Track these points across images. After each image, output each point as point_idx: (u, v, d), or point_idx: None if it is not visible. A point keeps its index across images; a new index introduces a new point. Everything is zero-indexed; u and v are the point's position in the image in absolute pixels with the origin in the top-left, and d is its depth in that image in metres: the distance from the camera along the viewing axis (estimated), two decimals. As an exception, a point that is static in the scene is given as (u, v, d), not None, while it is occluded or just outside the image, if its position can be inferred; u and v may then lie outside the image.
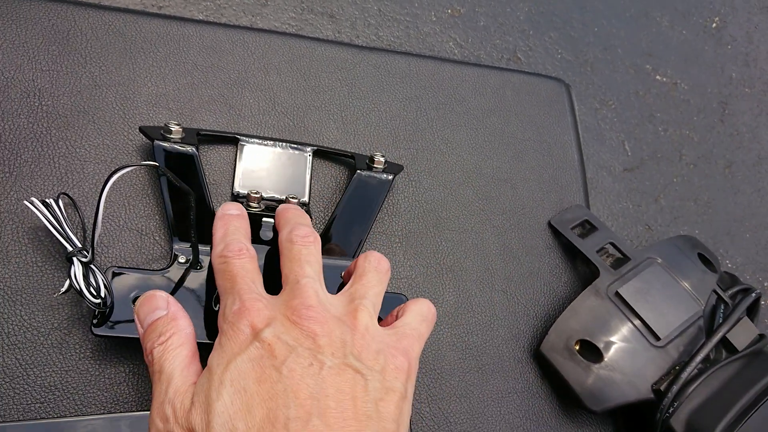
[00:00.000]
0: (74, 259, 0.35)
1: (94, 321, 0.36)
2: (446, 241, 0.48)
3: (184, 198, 0.39)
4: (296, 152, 0.45)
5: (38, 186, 0.40)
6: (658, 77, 0.66)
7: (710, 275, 0.50)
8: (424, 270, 0.47)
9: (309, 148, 0.46)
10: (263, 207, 0.42)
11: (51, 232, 0.36)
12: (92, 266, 0.36)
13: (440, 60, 0.55)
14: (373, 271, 0.36)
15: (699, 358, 0.44)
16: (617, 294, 0.47)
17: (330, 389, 0.29)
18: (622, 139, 0.61)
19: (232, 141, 0.45)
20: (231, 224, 0.36)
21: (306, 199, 0.44)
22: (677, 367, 0.45)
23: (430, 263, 0.47)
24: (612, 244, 0.50)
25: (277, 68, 0.49)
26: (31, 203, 0.36)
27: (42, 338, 0.37)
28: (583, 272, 0.51)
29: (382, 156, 0.46)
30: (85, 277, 0.35)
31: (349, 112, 0.50)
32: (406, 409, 0.32)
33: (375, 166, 0.45)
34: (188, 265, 0.39)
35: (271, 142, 0.45)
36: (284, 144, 0.45)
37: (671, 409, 0.43)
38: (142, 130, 0.42)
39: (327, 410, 0.29)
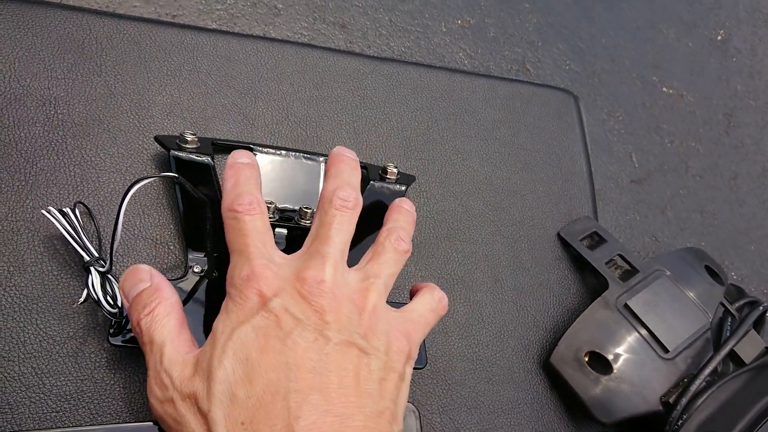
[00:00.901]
0: (92, 268, 0.35)
1: (111, 330, 0.36)
2: (457, 252, 0.48)
3: (200, 208, 0.39)
4: (309, 162, 0.46)
5: (54, 195, 0.40)
6: (664, 89, 0.67)
7: (717, 288, 0.50)
8: (435, 280, 0.46)
9: (322, 158, 0.46)
10: (277, 217, 0.43)
11: (67, 241, 0.37)
12: (109, 276, 0.36)
13: (451, 71, 0.55)
14: (392, 251, 0.36)
15: (707, 370, 0.45)
16: (626, 306, 0.47)
17: (333, 365, 0.29)
18: (630, 151, 0.62)
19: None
20: (242, 173, 0.35)
21: None
22: (686, 380, 0.45)
23: (441, 274, 0.47)
24: (620, 255, 0.51)
25: (290, 78, 0.49)
26: (49, 212, 0.36)
27: (57, 347, 0.37)
28: (592, 284, 0.52)
29: (395, 167, 0.46)
30: (103, 287, 0.35)
31: (360, 122, 0.50)
32: (404, 390, 0.32)
33: (388, 176, 0.46)
34: (203, 274, 0.40)
35: (285, 152, 0.45)
36: (297, 154, 0.45)
37: (680, 422, 0.44)
38: (157, 139, 0.42)
39: (329, 386, 0.29)
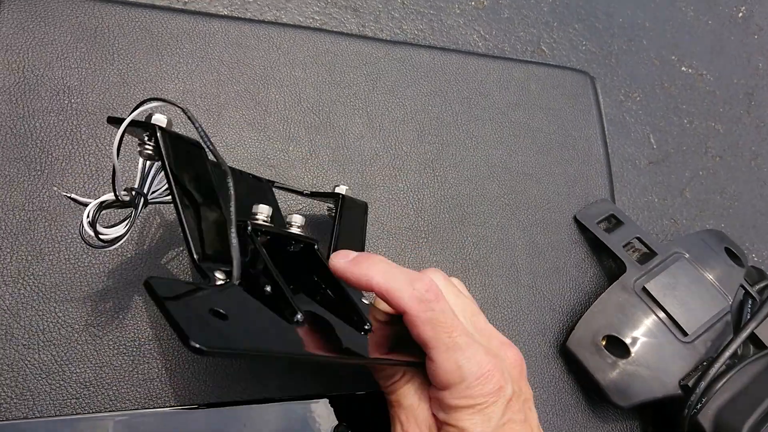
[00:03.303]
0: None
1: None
2: (472, 236, 0.48)
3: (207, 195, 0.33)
4: (257, 181, 0.42)
5: (69, 184, 0.40)
6: (683, 68, 0.65)
7: (737, 270, 0.49)
8: (450, 265, 0.47)
9: (266, 180, 0.42)
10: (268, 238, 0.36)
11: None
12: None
13: (464, 53, 0.55)
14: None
15: (727, 353, 0.44)
16: (644, 289, 0.46)
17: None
18: (648, 132, 0.61)
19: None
20: (374, 259, 0.33)
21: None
22: (705, 363, 0.45)
23: (456, 258, 0.47)
24: (638, 238, 0.50)
25: (302, 63, 0.49)
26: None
27: (76, 335, 0.37)
28: (609, 267, 0.51)
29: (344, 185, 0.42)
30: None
31: (374, 106, 0.50)
32: None
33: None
34: (228, 281, 0.30)
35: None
36: (242, 172, 0.41)
37: (699, 405, 0.43)
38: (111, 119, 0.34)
39: None
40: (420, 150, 0.50)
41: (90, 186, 0.41)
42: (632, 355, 0.44)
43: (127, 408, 0.37)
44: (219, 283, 0.30)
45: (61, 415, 0.35)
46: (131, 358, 0.38)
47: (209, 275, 0.30)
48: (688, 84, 0.65)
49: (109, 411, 0.36)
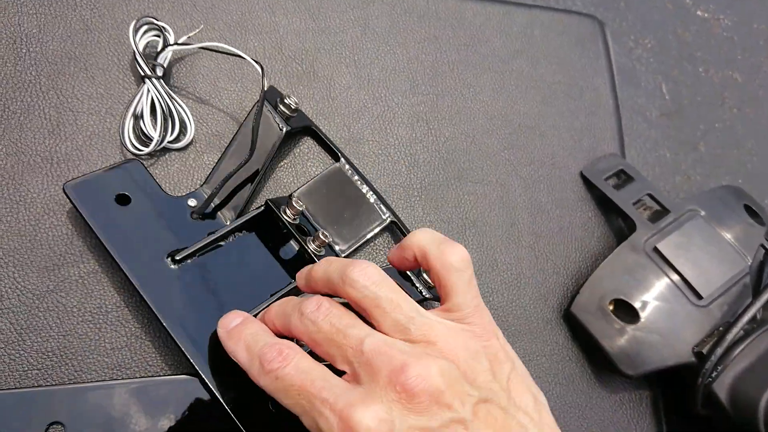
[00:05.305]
0: None
1: None
2: (469, 194, 0.46)
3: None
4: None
5: (28, 140, 0.38)
6: (699, 12, 0.63)
7: (757, 228, 0.47)
8: (444, 225, 0.45)
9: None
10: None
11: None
12: None
13: None
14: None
15: (745, 318, 0.42)
16: (655, 249, 0.45)
17: None
18: (660, 82, 0.59)
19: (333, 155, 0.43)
20: (245, 333, 0.31)
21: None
22: (721, 328, 0.43)
23: (451, 218, 0.45)
24: (650, 195, 0.48)
25: (283, 7, 0.46)
26: None
27: (38, 301, 0.35)
28: (617, 226, 0.50)
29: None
30: None
31: (362, 55, 0.47)
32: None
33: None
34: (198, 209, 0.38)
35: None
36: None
37: (714, 374, 0.41)
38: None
39: None
40: (412, 101, 0.47)
41: (50, 142, 0.38)
42: (642, 320, 0.42)
43: (93, 380, 0.34)
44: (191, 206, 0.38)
45: (22, 387, 0.33)
46: (97, 326, 0.35)
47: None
48: (704, 29, 0.63)
49: (75, 383, 0.34)
